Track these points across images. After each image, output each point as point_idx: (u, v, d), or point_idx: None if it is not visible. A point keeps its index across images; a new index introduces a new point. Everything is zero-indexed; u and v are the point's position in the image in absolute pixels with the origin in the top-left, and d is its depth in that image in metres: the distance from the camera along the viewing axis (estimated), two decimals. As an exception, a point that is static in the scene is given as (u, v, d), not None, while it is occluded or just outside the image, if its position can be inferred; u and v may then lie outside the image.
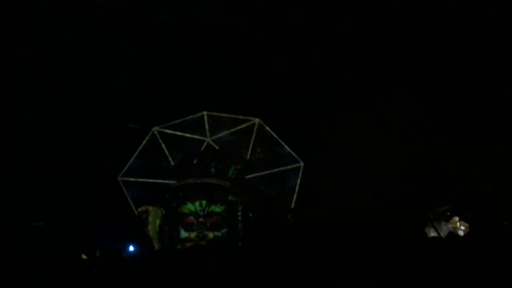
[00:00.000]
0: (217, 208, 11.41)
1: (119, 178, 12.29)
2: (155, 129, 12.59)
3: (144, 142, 12.55)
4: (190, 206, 11.44)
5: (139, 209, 11.67)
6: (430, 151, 11.05)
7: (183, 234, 11.37)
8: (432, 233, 10.81)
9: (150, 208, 11.64)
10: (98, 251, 9.58)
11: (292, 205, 12.09)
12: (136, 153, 12.52)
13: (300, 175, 12.28)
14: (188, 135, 12.68)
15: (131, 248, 11.03)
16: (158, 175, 12.45)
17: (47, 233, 10.60)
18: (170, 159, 12.66)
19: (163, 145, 12.63)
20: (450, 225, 11.48)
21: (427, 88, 10.65)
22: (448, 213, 11.68)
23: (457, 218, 11.58)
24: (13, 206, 10.90)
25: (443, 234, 10.69)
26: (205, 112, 12.54)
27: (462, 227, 11.45)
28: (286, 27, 10.73)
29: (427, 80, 10.68)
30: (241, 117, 12.52)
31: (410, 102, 10.98)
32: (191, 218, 11.36)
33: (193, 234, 11.26)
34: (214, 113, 12.57)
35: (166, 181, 12.35)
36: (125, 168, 12.36)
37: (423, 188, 11.03)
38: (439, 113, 10.65)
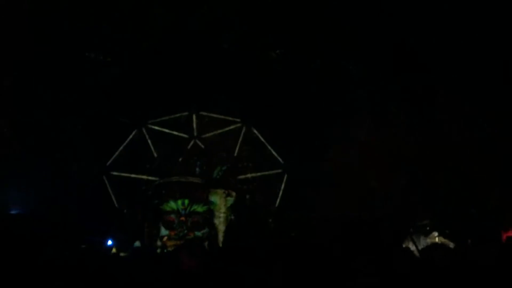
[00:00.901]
0: (199, 208, 11.40)
1: (102, 172, 12.19)
2: (143, 124, 12.50)
3: (130, 136, 12.46)
4: (172, 204, 11.40)
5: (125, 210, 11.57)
6: (415, 167, 11.15)
7: (163, 231, 11.32)
8: (411, 247, 10.91)
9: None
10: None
11: (275, 210, 12.11)
12: (121, 147, 12.42)
13: (284, 180, 12.32)
14: (175, 132, 12.63)
15: (109, 242, 10.94)
16: (142, 171, 12.38)
17: (25, 221, 10.47)
18: (156, 155, 12.60)
19: (149, 141, 12.56)
20: (428, 240, 11.57)
21: (413, 101, 10.75)
22: (428, 228, 11.79)
23: (436, 233, 11.70)
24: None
25: (421, 248, 10.79)
26: (193, 111, 12.51)
27: (440, 243, 11.54)
28: (282, 29, 10.72)
29: (413, 93, 10.77)
30: (229, 118, 12.51)
31: (397, 117, 11.06)
32: (172, 216, 11.33)
33: (173, 233, 11.23)
34: (203, 113, 12.53)
35: (150, 178, 12.29)
36: (109, 162, 12.27)
37: (406, 202, 11.12)
38: (425, 130, 10.75)
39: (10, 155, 10.82)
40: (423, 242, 11.11)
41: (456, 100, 10.52)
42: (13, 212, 10.91)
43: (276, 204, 12.26)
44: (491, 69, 9.99)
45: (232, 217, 11.85)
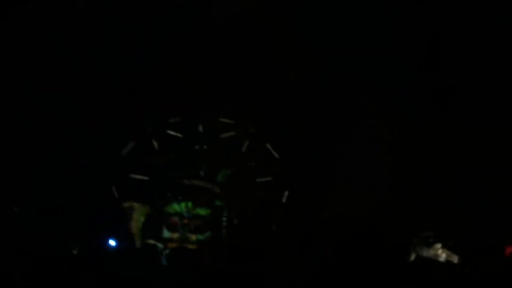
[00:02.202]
0: (202, 211, 11.45)
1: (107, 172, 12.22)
2: (149, 125, 12.55)
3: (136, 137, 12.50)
4: (175, 207, 11.45)
5: (124, 204, 11.62)
6: (418, 174, 11.11)
7: (166, 233, 11.36)
8: (413, 257, 10.84)
9: (135, 205, 11.61)
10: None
11: (279, 215, 12.11)
12: (127, 147, 12.45)
13: (287, 189, 12.30)
14: (180, 135, 12.65)
15: (112, 242, 10.92)
16: (147, 171, 12.39)
17: (26, 218, 10.50)
18: (161, 156, 12.62)
19: (155, 142, 12.58)
20: (432, 251, 11.49)
21: (425, 108, 10.71)
22: (431, 239, 11.70)
23: (439, 245, 11.61)
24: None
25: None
26: (200, 114, 12.54)
27: (444, 255, 11.47)
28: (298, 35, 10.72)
29: (424, 99, 10.75)
30: (236, 122, 12.54)
31: (403, 122, 11.03)
32: (176, 218, 11.37)
33: (176, 235, 11.28)
34: (210, 116, 12.56)
35: (154, 179, 12.30)
36: (114, 162, 12.30)
37: (410, 211, 11.08)
38: (432, 134, 10.70)
39: (15, 152, 10.87)
40: (426, 254, 11.04)
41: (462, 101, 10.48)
42: (15, 209, 10.92)
43: (281, 209, 12.26)
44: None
45: (236, 222, 11.85)
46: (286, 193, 12.28)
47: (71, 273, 6.97)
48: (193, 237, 11.23)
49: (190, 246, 11.04)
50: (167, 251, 10.66)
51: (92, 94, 11.51)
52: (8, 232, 8.98)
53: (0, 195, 10.80)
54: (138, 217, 11.47)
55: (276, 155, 12.36)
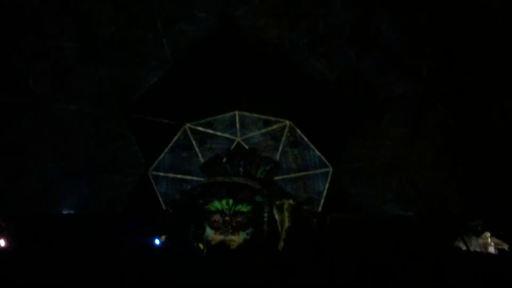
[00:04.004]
0: (243, 208, 11.41)
1: (149, 173, 12.48)
2: (187, 125, 12.74)
3: (175, 138, 12.72)
4: (217, 204, 11.47)
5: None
6: (464, 164, 10.79)
7: (209, 232, 11.41)
8: (462, 247, 10.55)
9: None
10: None
11: (319, 210, 12.02)
12: (167, 148, 12.70)
13: (329, 180, 12.23)
14: (219, 133, 12.78)
15: (157, 241, 11.13)
16: (188, 171, 12.60)
17: (77, 221, 10.83)
18: (200, 156, 12.80)
19: (193, 142, 12.77)
20: (480, 240, 11.15)
21: (462, 99, 10.39)
22: (480, 228, 11.35)
23: (488, 234, 11.25)
24: (45, 193, 11.18)
25: (472, 248, 10.42)
26: (237, 112, 12.62)
27: (493, 243, 11.11)
28: (322, 31, 10.66)
29: (462, 90, 10.42)
30: (272, 118, 12.55)
31: (445, 112, 10.73)
32: (218, 216, 11.40)
33: (218, 232, 11.30)
34: (246, 113, 12.63)
35: (195, 178, 12.49)
36: (155, 163, 12.56)
37: (456, 201, 10.77)
38: (473, 124, 10.36)
39: (60, 159, 11.25)
40: (475, 243, 10.72)
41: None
42: (65, 212, 11.32)
43: (321, 204, 12.18)
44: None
45: (277, 217, 11.81)
46: (327, 184, 12.22)
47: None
48: (236, 234, 11.23)
49: (233, 243, 11.06)
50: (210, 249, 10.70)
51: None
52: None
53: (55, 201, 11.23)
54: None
55: (314, 148, 12.30)
